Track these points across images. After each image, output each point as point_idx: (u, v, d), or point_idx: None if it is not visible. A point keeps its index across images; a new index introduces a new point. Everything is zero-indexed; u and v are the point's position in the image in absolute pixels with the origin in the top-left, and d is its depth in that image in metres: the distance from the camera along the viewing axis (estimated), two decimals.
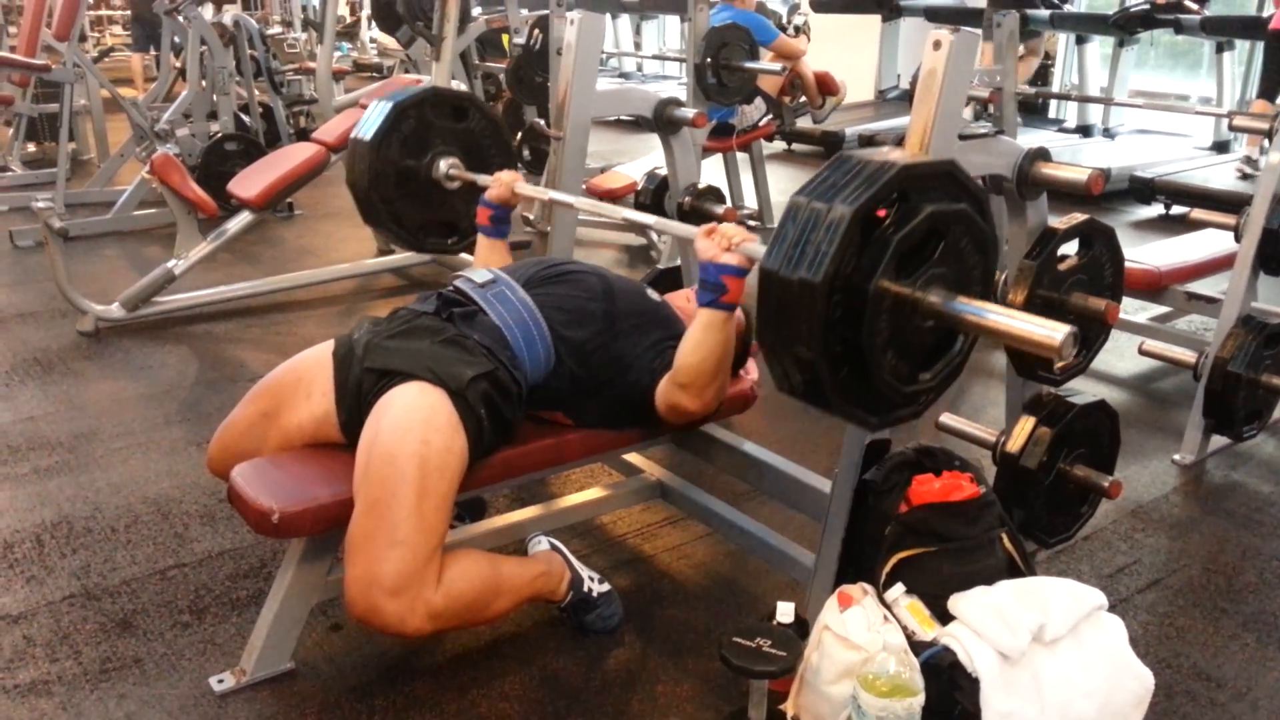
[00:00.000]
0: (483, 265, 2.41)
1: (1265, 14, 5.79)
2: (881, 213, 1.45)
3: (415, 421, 1.82)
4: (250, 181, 4.28)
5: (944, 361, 1.57)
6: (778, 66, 4.69)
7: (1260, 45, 6.25)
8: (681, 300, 2.34)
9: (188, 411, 3.23)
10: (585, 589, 2.11)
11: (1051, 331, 1.37)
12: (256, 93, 6.60)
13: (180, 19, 6.05)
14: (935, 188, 1.49)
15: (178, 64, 6.79)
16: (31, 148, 7.07)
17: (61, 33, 5.57)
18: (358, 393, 1.96)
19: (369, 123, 2.51)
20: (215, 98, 6.04)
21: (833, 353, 1.43)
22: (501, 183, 2.43)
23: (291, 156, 4.41)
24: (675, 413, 2.04)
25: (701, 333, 1.93)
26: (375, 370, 1.94)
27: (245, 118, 6.43)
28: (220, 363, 3.69)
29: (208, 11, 6.17)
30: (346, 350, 2.03)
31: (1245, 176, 6.13)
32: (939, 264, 1.48)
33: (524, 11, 6.15)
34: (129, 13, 10.93)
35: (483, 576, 1.87)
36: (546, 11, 5.10)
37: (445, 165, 2.57)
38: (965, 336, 1.58)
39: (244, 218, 4.25)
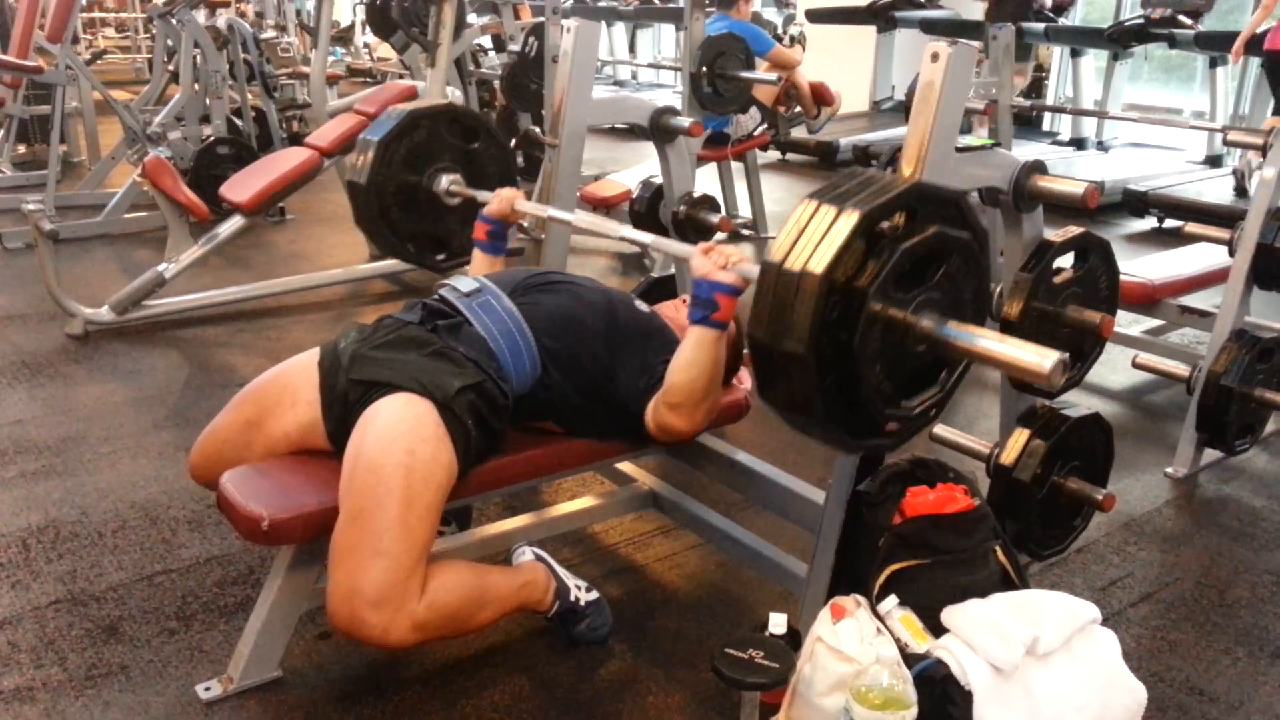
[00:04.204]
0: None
1: (1259, 30, 5.82)
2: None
3: (401, 431, 1.80)
4: (242, 185, 4.27)
5: (928, 393, 1.57)
6: (773, 76, 4.70)
7: (1254, 61, 6.28)
8: (671, 310, 2.33)
9: (177, 416, 3.21)
10: (572, 598, 2.09)
11: (1041, 358, 1.38)
12: (249, 96, 6.59)
13: (174, 22, 6.04)
14: (942, 213, 1.51)
15: (170, 67, 6.77)
16: (22, 149, 7.04)
17: (54, 34, 5.55)
18: (344, 403, 1.94)
19: (381, 125, 2.50)
20: (208, 101, 6.03)
21: (823, 354, 1.43)
22: (501, 198, 2.41)
23: (284, 161, 4.40)
24: (665, 433, 2.03)
25: (692, 351, 1.93)
26: (361, 381, 1.92)
27: (238, 121, 6.42)
28: (210, 367, 3.67)
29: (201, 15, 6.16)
30: (332, 360, 2.01)
31: (1240, 182, 6.16)
32: (936, 288, 1.49)
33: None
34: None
35: (467, 587, 1.86)
36: (542, 19, 5.11)
37: (447, 181, 2.56)
38: (951, 372, 1.57)
39: (235, 222, 4.24)
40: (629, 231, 2.19)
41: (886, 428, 1.56)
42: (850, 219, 1.40)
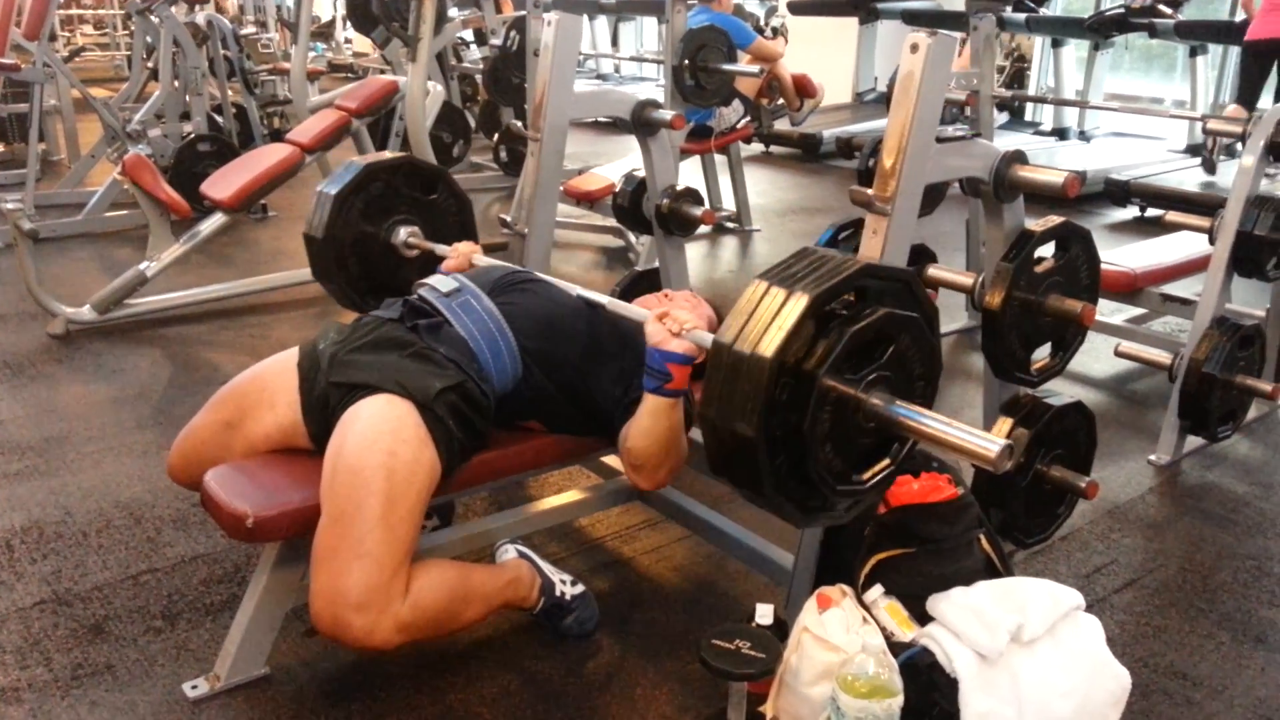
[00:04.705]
0: None
1: (1237, 19, 5.86)
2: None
3: (382, 433, 1.79)
4: (223, 183, 4.24)
5: (880, 465, 1.57)
6: (755, 69, 4.69)
7: (1233, 50, 6.32)
8: (653, 302, 2.32)
9: (160, 415, 3.19)
10: (557, 593, 2.09)
11: (988, 443, 1.37)
12: (230, 93, 6.55)
13: (152, 18, 6.00)
14: (892, 293, 1.52)
15: (150, 64, 6.72)
16: (1, 148, 6.98)
17: (31, 32, 5.50)
18: (324, 406, 1.93)
19: (338, 179, 2.48)
20: (188, 98, 6.00)
21: (773, 435, 1.43)
22: (460, 253, 2.37)
23: (265, 157, 4.37)
24: (632, 483, 2.06)
25: (648, 420, 1.92)
26: (341, 384, 1.91)
27: (218, 118, 6.38)
28: (193, 366, 3.65)
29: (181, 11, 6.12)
30: (311, 361, 2.00)
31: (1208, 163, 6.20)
32: (885, 367, 1.49)
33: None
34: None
35: (451, 587, 1.85)
36: (524, 13, 5.09)
37: (405, 233, 2.53)
38: (902, 445, 1.58)
39: (217, 219, 4.22)
40: (584, 292, 2.17)
41: (839, 502, 1.56)
42: (799, 303, 1.41)
